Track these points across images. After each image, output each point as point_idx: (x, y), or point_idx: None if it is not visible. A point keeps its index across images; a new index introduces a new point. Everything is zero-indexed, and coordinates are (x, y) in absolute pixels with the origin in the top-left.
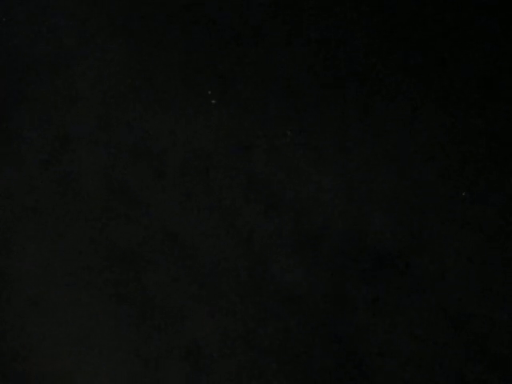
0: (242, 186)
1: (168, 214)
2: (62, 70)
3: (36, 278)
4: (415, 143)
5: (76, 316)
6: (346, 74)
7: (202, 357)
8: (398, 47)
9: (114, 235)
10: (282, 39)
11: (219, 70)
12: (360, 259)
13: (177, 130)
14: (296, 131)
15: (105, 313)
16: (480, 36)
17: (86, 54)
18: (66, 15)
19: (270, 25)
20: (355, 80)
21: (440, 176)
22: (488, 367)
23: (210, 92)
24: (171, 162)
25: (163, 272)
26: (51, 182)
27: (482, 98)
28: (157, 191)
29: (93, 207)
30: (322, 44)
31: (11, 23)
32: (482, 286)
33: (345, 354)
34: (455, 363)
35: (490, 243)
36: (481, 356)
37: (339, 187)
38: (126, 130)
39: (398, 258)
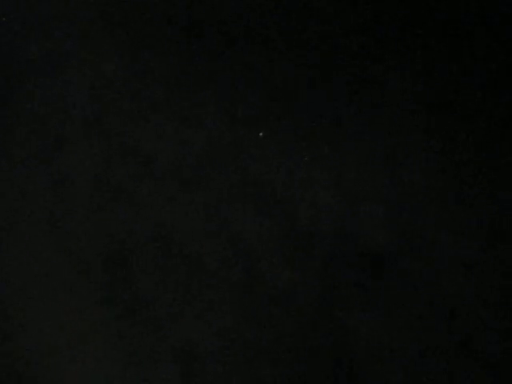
0: (233, 186)
1: (160, 215)
2: (56, 71)
3: (25, 277)
4: (409, 145)
5: (66, 317)
6: (341, 75)
7: (194, 358)
8: (394, 49)
9: (105, 235)
10: (277, 41)
11: (212, 72)
12: (351, 260)
13: (168, 130)
14: (289, 132)
15: (95, 313)
16: (478, 39)
17: (80, 55)
18: (63, 17)
19: (266, 27)
20: (351, 82)
21: (432, 178)
22: (479, 367)
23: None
24: (163, 163)
25: (154, 272)
26: (43, 181)
27: (476, 102)
28: (148, 191)
29: (84, 207)
30: (315, 44)
31: (10, 24)
32: (475, 288)
33: (336, 355)
34: (446, 363)
35: (481, 245)
36: (472, 357)
37: (331, 188)
38: (119, 131)
39: (390, 260)
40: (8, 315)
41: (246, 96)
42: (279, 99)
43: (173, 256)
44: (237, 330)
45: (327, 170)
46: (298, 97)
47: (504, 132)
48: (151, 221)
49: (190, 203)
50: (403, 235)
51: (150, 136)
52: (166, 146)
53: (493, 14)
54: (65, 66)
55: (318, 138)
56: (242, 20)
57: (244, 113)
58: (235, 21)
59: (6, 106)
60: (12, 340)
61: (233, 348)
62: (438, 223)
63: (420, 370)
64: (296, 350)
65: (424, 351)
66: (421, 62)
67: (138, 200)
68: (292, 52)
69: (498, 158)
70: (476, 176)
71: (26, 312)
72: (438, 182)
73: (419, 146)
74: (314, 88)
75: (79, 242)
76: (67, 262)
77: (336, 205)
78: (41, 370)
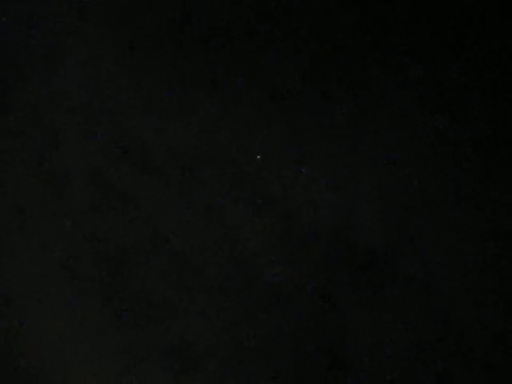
0: (230, 185)
1: (156, 214)
2: (53, 69)
3: (22, 275)
4: (409, 145)
5: (62, 314)
6: (342, 75)
7: (193, 357)
8: (394, 49)
9: (102, 234)
10: (273, 42)
11: (208, 71)
12: (348, 259)
13: (166, 129)
14: (286, 132)
15: (92, 311)
16: (478, 39)
17: (76, 53)
18: (63, 16)
19: (262, 27)
20: (347, 82)
21: (428, 177)
22: (478, 367)
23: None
24: (160, 162)
25: (151, 271)
26: (40, 180)
27: (477, 102)
28: (145, 190)
29: (81, 206)
30: (315, 44)
31: (10, 24)
32: (470, 288)
33: (335, 354)
34: (445, 363)
35: (477, 245)
36: (466, 357)
37: (329, 187)
38: (116, 130)
39: (387, 259)
40: (7, 315)
41: (245, 96)
42: (279, 99)
43: (171, 255)
44: (234, 328)
45: (325, 171)
46: (296, 96)
47: (504, 132)
48: (149, 220)
49: (189, 202)
50: (401, 235)
51: (148, 134)
52: (164, 145)
53: (493, 15)
54: (64, 63)
55: (318, 138)
56: (242, 20)
57: (243, 112)
58: (235, 20)
59: (4, 104)
60: (11, 340)
61: (229, 346)
62: (437, 223)
63: (415, 369)
64: (292, 348)
65: (422, 351)
66: (421, 62)
67: (134, 200)
68: (291, 52)
69: (498, 158)
70: (476, 176)
71: (24, 312)
72: (437, 182)
73: (419, 146)
74: (314, 88)
75: (75, 240)
76: (63, 259)
77: (335, 205)
78: (41, 369)
